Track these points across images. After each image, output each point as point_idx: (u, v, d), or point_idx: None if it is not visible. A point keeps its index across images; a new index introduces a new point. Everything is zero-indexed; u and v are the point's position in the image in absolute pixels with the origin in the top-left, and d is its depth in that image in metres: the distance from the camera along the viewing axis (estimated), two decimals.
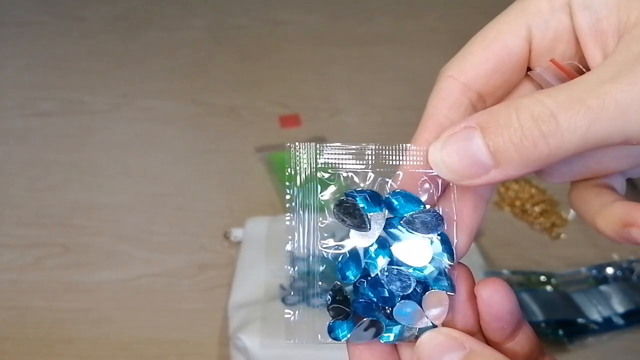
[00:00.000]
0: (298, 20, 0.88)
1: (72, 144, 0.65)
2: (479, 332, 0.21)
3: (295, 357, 0.41)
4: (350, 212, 0.20)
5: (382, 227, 0.20)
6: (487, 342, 0.21)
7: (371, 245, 0.20)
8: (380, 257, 0.20)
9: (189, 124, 0.68)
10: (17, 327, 0.47)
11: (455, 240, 0.21)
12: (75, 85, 0.74)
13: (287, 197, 0.21)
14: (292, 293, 0.38)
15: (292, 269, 0.50)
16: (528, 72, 0.21)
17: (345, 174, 0.21)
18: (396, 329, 0.20)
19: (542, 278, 0.49)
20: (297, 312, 0.21)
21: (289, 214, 0.21)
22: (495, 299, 0.20)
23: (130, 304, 0.49)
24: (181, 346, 0.46)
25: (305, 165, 0.21)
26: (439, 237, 0.21)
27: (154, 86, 0.74)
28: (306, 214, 0.21)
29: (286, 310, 0.22)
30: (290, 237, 0.21)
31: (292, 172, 0.21)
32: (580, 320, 0.46)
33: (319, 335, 0.21)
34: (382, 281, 0.20)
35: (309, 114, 0.69)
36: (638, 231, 0.18)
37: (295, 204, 0.21)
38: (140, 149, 0.65)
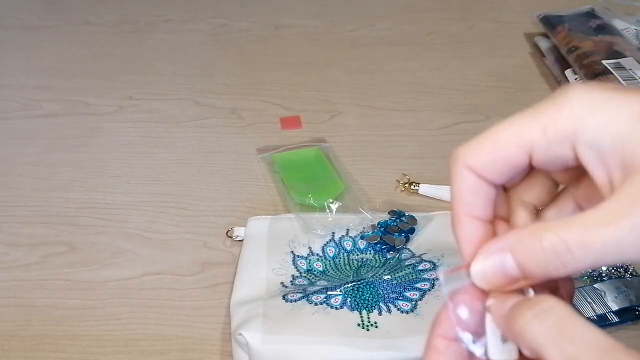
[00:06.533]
0: (298, 25, 0.89)
1: (78, 144, 0.66)
2: None
3: (295, 352, 0.42)
4: None
5: None
6: None
7: None
8: None
9: (192, 126, 0.69)
10: (23, 325, 0.48)
11: None
12: (81, 87, 0.76)
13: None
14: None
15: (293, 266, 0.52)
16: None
17: None
18: None
19: None
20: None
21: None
22: None
23: (135, 301, 0.49)
24: (184, 342, 0.46)
25: None
26: None
27: (158, 88, 0.75)
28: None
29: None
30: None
31: None
32: None
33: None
34: None
35: (309, 115, 0.70)
36: None
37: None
38: (144, 149, 0.66)
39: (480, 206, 0.24)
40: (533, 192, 0.26)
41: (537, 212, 0.27)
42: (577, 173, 0.24)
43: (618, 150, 0.21)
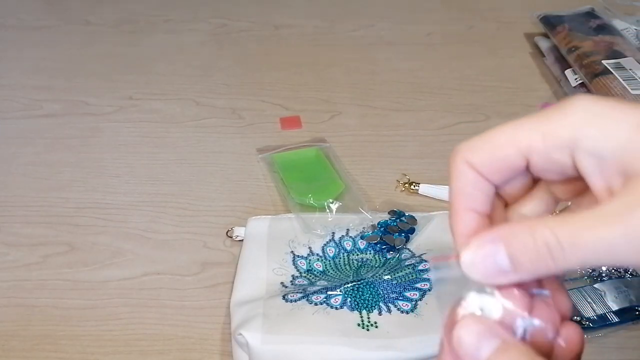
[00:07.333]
0: (298, 25, 0.89)
1: (78, 144, 0.66)
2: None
3: (295, 352, 0.42)
4: None
5: None
6: None
7: None
8: None
9: (192, 126, 0.69)
10: (23, 325, 0.48)
11: None
12: (81, 87, 0.76)
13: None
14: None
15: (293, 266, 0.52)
16: None
17: None
18: None
19: None
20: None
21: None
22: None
23: (135, 301, 0.49)
24: (184, 342, 0.46)
25: None
26: None
27: (158, 88, 0.75)
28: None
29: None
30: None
31: None
32: (575, 317, 0.47)
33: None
34: None
35: (309, 115, 0.70)
36: None
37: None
38: (144, 149, 0.66)
39: (478, 199, 0.25)
40: (532, 207, 0.26)
41: None
42: (578, 188, 0.24)
43: (618, 158, 0.21)
